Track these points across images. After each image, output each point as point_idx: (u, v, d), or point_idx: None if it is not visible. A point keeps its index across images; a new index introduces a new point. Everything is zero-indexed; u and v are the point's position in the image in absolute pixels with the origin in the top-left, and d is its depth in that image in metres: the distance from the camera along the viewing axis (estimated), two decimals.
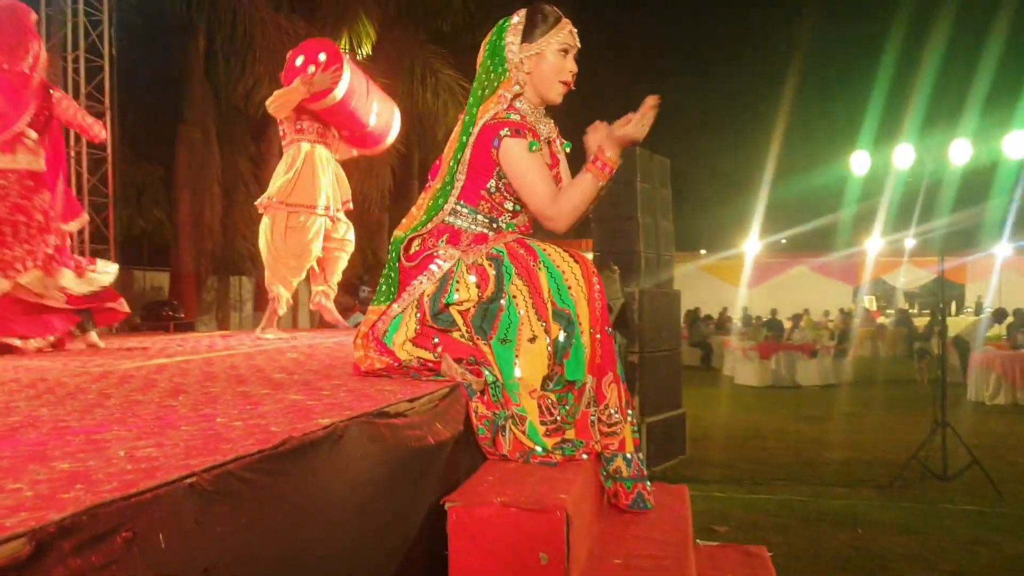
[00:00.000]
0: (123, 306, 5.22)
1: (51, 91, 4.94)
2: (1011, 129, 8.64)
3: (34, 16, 5.02)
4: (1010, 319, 15.54)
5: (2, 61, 4.73)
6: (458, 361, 2.67)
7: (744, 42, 37.57)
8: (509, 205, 2.93)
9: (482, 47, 3.03)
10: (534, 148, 2.87)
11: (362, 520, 1.73)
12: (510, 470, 2.45)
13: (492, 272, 2.73)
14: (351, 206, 6.52)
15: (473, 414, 2.57)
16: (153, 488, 1.16)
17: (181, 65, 15.13)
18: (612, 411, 2.73)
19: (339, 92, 5.77)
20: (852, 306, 24.80)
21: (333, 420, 1.72)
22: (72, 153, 10.57)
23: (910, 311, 27.43)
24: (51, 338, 4.86)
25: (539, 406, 2.61)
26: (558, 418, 2.63)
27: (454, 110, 14.29)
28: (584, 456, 2.63)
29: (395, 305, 2.88)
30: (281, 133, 6.22)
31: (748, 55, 37.36)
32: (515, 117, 2.90)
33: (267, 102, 5.97)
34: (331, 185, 6.19)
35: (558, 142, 3.08)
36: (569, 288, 2.71)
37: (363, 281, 14.34)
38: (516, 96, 2.93)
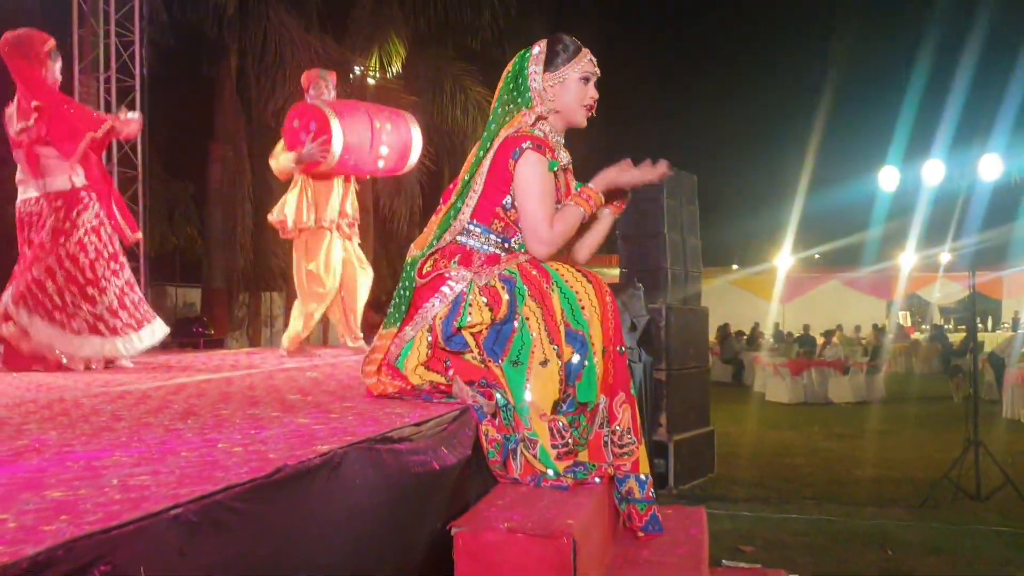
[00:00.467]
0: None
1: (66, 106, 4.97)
2: None
3: (49, 44, 5.02)
4: None
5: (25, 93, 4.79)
6: (470, 384, 2.66)
7: (775, 59, 37.38)
8: None
9: (503, 76, 3.05)
10: (553, 168, 2.89)
11: (361, 547, 1.72)
12: (520, 494, 2.43)
13: (504, 293, 2.73)
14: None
15: (483, 437, 2.56)
16: (136, 520, 1.15)
17: (213, 84, 15.30)
18: (625, 431, 2.71)
19: (331, 160, 5.73)
20: (886, 321, 24.54)
21: (332, 447, 1.71)
22: None
23: (945, 327, 27.11)
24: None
25: (550, 429, 2.59)
26: (570, 441, 2.61)
27: (483, 127, 14.34)
28: (596, 480, 2.61)
29: (408, 328, 2.87)
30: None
31: (779, 72, 37.14)
32: (539, 133, 2.91)
33: (270, 161, 6.09)
34: (348, 201, 6.23)
35: (571, 176, 3.10)
36: (583, 308, 2.70)
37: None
38: (539, 118, 2.95)
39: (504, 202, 2.89)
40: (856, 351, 17.43)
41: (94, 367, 4.77)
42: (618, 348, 2.75)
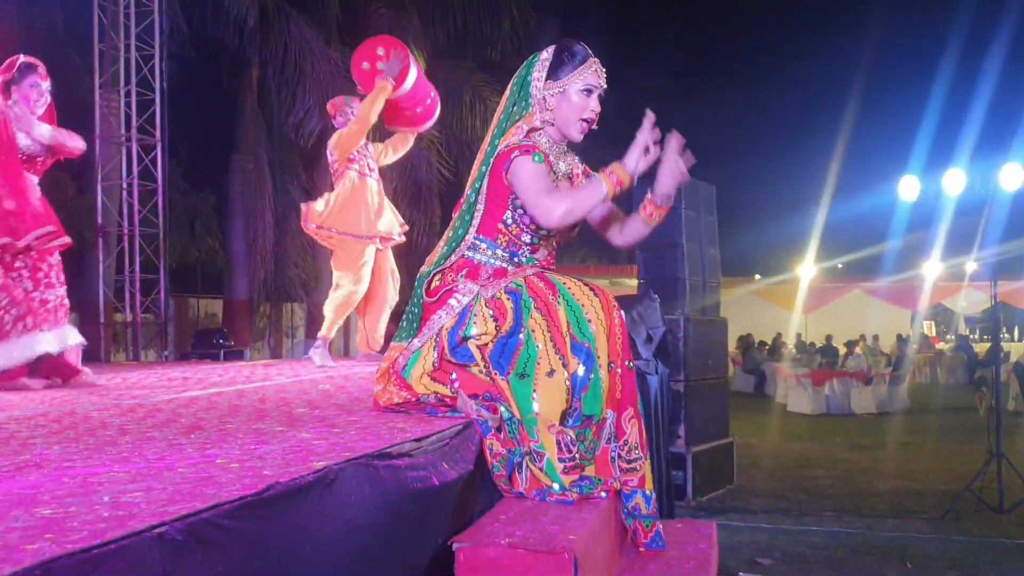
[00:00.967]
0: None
1: None
2: None
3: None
4: None
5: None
6: (474, 397, 2.66)
7: (795, 68, 37.30)
8: (527, 238, 2.92)
9: (512, 80, 3.04)
10: (536, 160, 2.85)
11: (357, 564, 1.72)
12: (525, 509, 2.42)
13: (510, 306, 2.72)
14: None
15: (488, 451, 2.55)
16: (118, 539, 1.15)
17: (234, 96, 15.38)
18: (632, 447, 2.69)
19: (412, 73, 6.16)
20: (910, 331, 24.34)
21: (327, 463, 1.71)
22: (124, 184, 10.78)
23: (970, 336, 26.86)
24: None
25: (558, 442, 2.57)
26: (576, 455, 2.60)
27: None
28: (603, 494, 2.59)
29: (416, 340, 2.87)
30: (333, 169, 6.38)
31: (799, 81, 37.07)
32: (527, 143, 2.89)
33: (342, 134, 6.16)
34: (386, 212, 6.43)
35: (581, 177, 3.07)
36: (589, 321, 2.69)
37: None
38: (533, 130, 2.93)
39: (505, 217, 2.89)
40: (879, 361, 17.30)
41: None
42: (626, 363, 2.73)
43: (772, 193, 34.36)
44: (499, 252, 2.90)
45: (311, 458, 1.84)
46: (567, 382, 2.62)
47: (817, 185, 26.70)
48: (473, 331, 2.72)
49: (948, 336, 28.59)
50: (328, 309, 6.28)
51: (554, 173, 2.94)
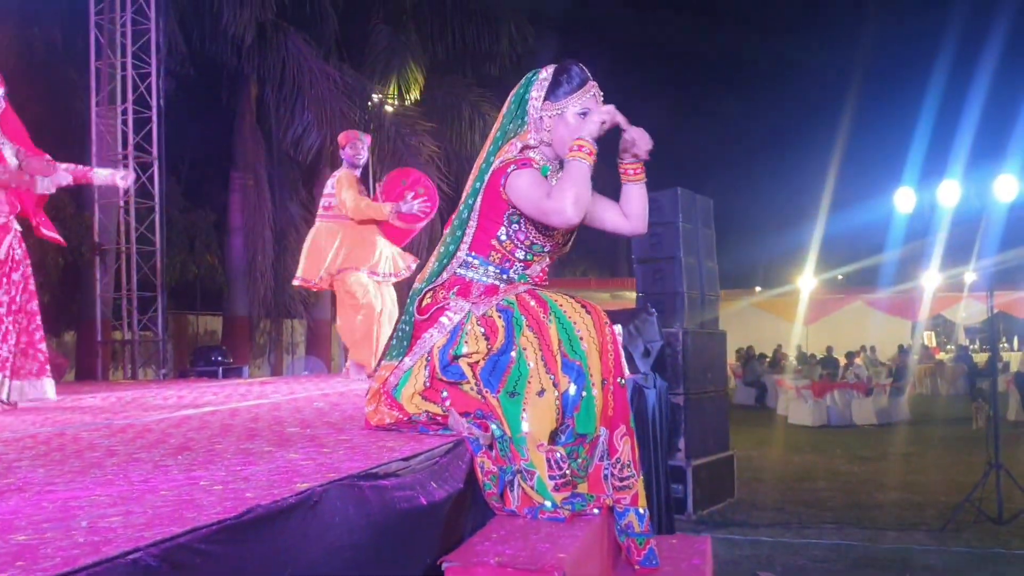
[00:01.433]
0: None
1: None
2: None
3: None
4: None
5: None
6: (465, 415, 2.64)
7: (791, 82, 37.32)
8: (520, 254, 2.91)
9: (509, 96, 3.03)
10: (546, 173, 2.88)
11: None
12: (516, 527, 2.40)
13: (501, 324, 2.71)
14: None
15: (479, 469, 2.53)
16: (90, 565, 1.14)
17: (233, 114, 15.40)
18: (625, 464, 2.67)
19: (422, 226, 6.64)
20: (910, 342, 24.31)
21: (311, 485, 1.69)
22: (121, 202, 10.78)
23: (970, 347, 26.83)
24: None
25: (548, 460, 2.55)
26: (567, 472, 2.58)
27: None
28: (595, 511, 2.57)
29: (407, 359, 2.86)
30: (326, 204, 6.57)
31: (795, 94, 37.08)
32: (523, 158, 2.88)
33: (355, 203, 6.31)
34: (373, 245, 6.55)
35: None
36: (581, 339, 2.67)
37: None
38: (527, 147, 2.92)
39: (499, 233, 2.88)
40: (880, 372, 17.28)
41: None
42: (618, 380, 2.72)
43: (771, 205, 34.33)
44: (491, 269, 2.89)
45: (296, 479, 1.83)
46: (557, 401, 2.61)
47: (815, 197, 26.78)
48: (464, 349, 2.71)
49: (948, 347, 28.55)
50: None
51: None
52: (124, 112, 10.74)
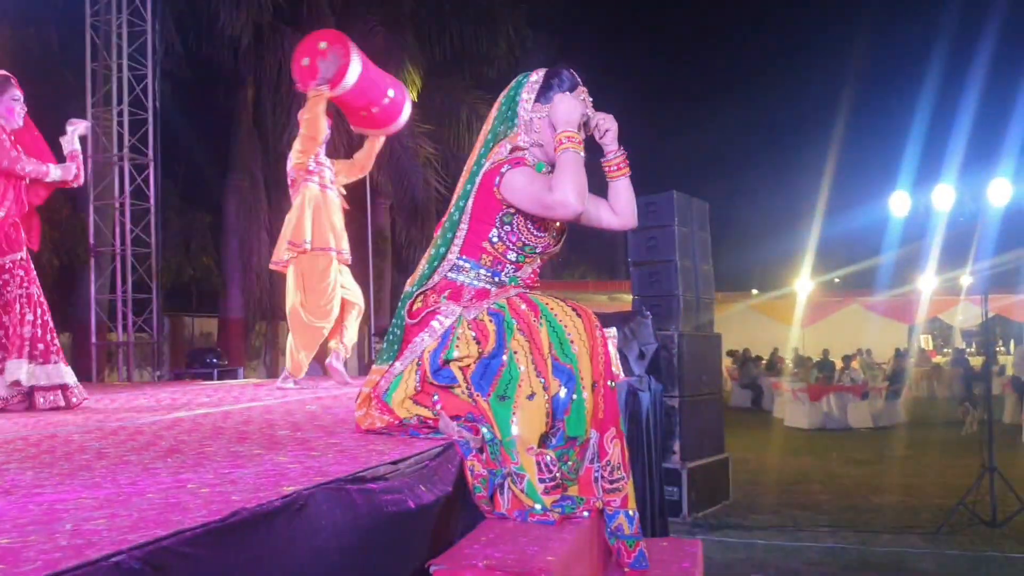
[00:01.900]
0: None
1: None
2: None
3: None
4: None
5: None
6: (456, 418, 2.64)
7: (787, 86, 37.42)
8: (512, 256, 2.91)
9: (499, 98, 3.04)
10: (540, 169, 2.89)
11: None
12: (505, 530, 2.40)
13: (492, 327, 2.71)
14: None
15: (469, 472, 2.53)
16: (72, 568, 1.14)
17: (229, 115, 15.41)
18: (615, 467, 2.67)
19: (353, 72, 5.75)
20: (907, 345, 24.31)
21: (297, 488, 1.69)
22: (117, 204, 10.78)
23: (967, 350, 26.84)
24: None
25: (538, 463, 2.55)
26: (557, 475, 2.58)
27: None
28: (585, 514, 2.57)
29: (397, 363, 2.86)
30: (289, 180, 6.19)
31: (791, 98, 37.15)
32: (515, 158, 2.89)
33: (303, 126, 5.92)
34: (342, 228, 6.22)
35: None
36: (571, 342, 2.67)
37: None
38: (517, 148, 2.93)
39: (491, 235, 2.88)
40: (876, 375, 17.28)
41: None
42: (608, 383, 2.72)
43: (768, 208, 34.38)
44: (482, 272, 2.90)
45: (283, 483, 1.83)
46: (547, 405, 2.61)
47: (811, 200, 26.82)
48: (455, 354, 2.71)
49: (945, 350, 28.58)
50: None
51: None
52: (120, 114, 10.75)
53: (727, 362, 20.34)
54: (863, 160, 30.99)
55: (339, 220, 6.20)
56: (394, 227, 16.58)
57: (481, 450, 2.58)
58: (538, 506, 2.51)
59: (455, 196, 2.97)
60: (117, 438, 2.97)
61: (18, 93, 4.70)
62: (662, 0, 36.69)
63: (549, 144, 2.93)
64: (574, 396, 2.63)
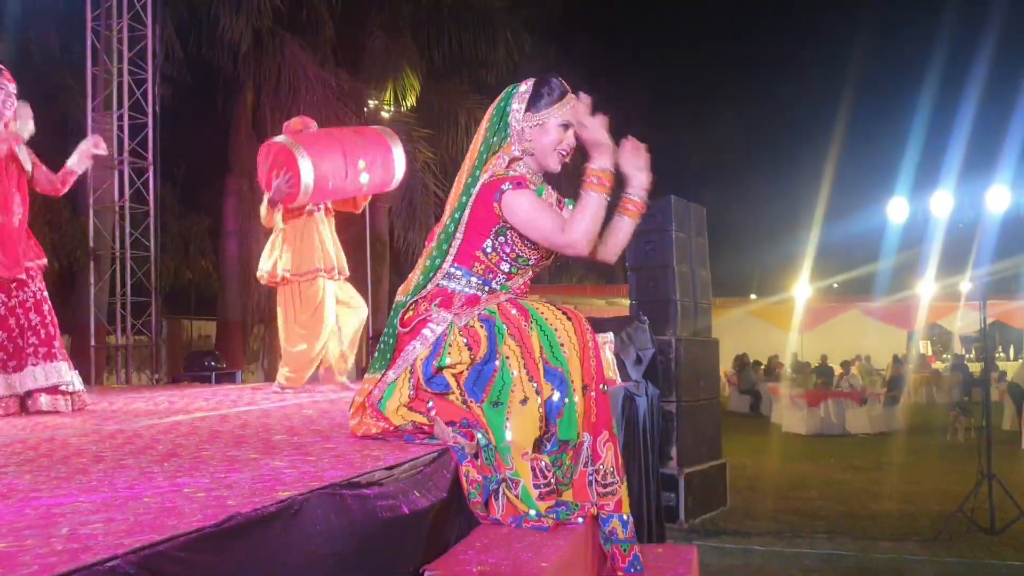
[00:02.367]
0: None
1: None
2: None
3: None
4: None
5: None
6: (451, 424, 2.66)
7: (786, 91, 37.47)
8: (505, 267, 2.93)
9: (490, 109, 3.06)
10: (541, 194, 2.91)
11: None
12: (500, 535, 2.41)
13: (484, 333, 2.72)
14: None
15: (464, 478, 2.54)
16: (68, 573, 1.15)
17: (228, 119, 15.42)
18: (608, 471, 2.69)
19: (307, 190, 5.58)
20: (906, 351, 24.31)
21: (292, 493, 1.70)
22: (116, 207, 10.80)
23: (967, 356, 26.84)
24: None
25: (532, 469, 2.57)
26: (552, 481, 2.59)
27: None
28: (579, 520, 2.58)
29: (390, 372, 2.88)
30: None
31: (791, 103, 37.23)
32: (513, 173, 2.91)
33: (261, 208, 5.94)
34: (333, 244, 6.13)
35: (555, 206, 3.08)
36: (562, 346, 2.69)
37: None
38: (514, 159, 2.95)
39: (485, 246, 2.90)
40: (874, 381, 17.28)
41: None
42: (600, 386, 2.73)
43: (767, 214, 34.46)
44: (473, 280, 2.91)
45: (278, 488, 1.84)
46: (540, 409, 2.62)
47: (810, 206, 26.82)
48: (448, 360, 2.72)
49: (945, 356, 28.57)
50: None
51: None
52: (120, 118, 10.77)
53: (726, 367, 20.34)
54: (862, 166, 31.08)
55: (329, 238, 6.10)
56: (392, 232, 16.57)
57: (476, 456, 2.59)
58: (533, 512, 2.52)
59: (450, 208, 2.98)
60: (114, 442, 2.98)
61: (6, 84, 4.67)
62: (660, 6, 36.80)
63: (541, 152, 2.96)
64: (566, 399, 2.65)
